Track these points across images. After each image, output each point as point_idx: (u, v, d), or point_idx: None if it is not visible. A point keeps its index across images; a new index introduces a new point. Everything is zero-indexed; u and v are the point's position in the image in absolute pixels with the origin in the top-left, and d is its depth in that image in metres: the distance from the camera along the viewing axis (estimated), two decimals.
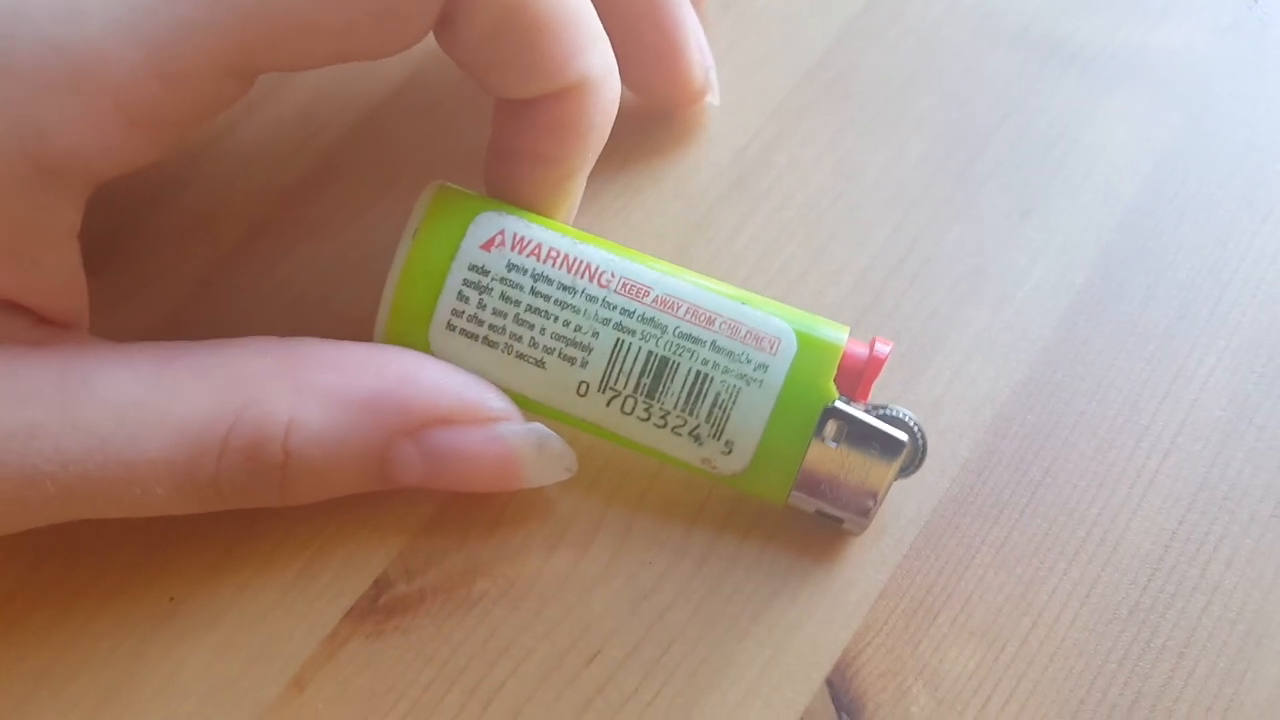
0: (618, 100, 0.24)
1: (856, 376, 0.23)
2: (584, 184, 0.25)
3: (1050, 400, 0.26)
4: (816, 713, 0.23)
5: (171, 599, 0.24)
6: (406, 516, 0.25)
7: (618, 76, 0.24)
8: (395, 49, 0.22)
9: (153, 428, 0.21)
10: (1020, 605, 0.24)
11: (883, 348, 0.23)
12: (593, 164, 0.24)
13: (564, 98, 0.23)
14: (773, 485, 0.24)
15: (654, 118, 0.29)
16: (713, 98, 0.29)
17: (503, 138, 0.24)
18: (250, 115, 0.29)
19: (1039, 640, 0.24)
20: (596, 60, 0.23)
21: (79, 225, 0.21)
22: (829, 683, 0.24)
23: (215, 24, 0.19)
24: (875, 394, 0.24)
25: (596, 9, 0.26)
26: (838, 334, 0.23)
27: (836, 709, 0.23)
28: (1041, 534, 0.25)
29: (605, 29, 0.26)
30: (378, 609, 0.24)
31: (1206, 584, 0.25)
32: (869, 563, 0.25)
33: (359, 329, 0.24)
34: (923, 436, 0.24)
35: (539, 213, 0.24)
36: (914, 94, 0.30)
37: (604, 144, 0.24)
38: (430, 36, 0.22)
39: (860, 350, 0.23)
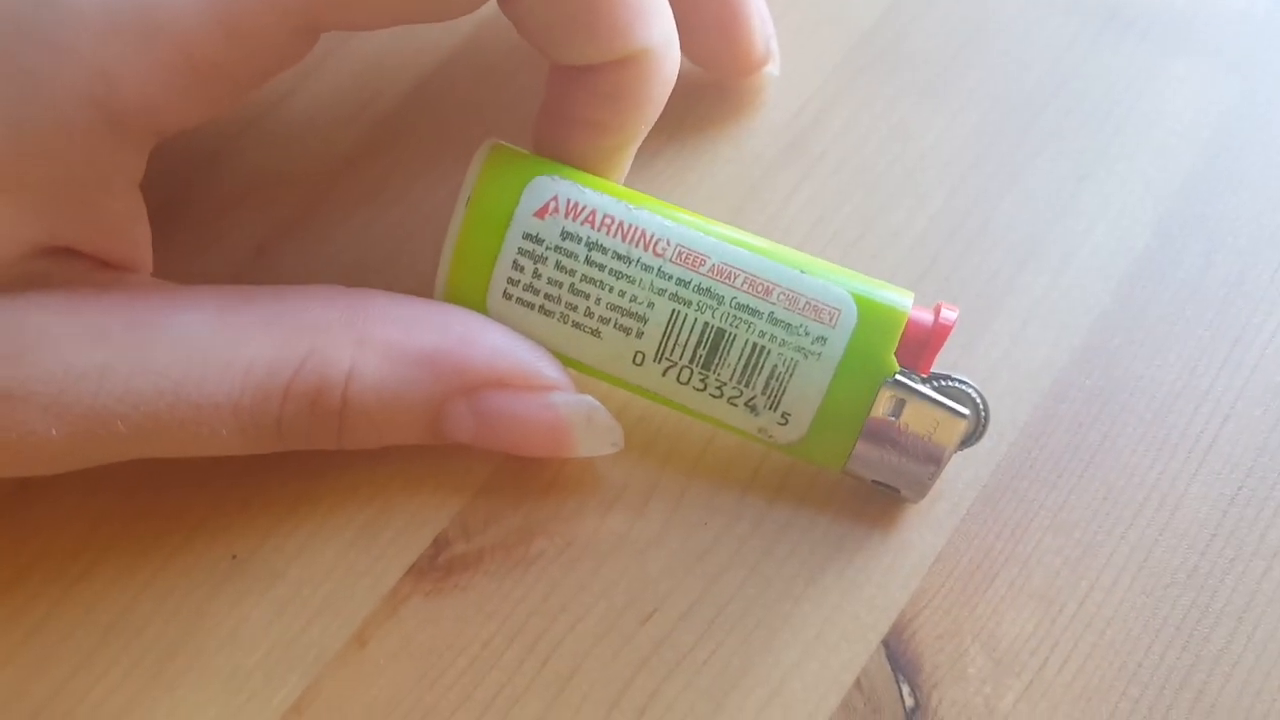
0: (676, 72, 0.24)
1: (920, 346, 0.23)
2: (634, 153, 0.25)
3: (1108, 365, 0.26)
4: (873, 673, 0.23)
5: (234, 556, 0.24)
6: (465, 477, 0.25)
7: (678, 47, 0.23)
8: (459, 11, 0.22)
9: (220, 371, 0.21)
10: (1078, 569, 0.24)
11: (949, 314, 0.23)
12: (645, 134, 0.24)
13: (623, 66, 0.23)
14: (829, 455, 0.24)
15: (709, 82, 0.29)
16: (773, 67, 0.29)
17: (556, 103, 0.24)
18: (306, 84, 0.29)
19: (1097, 603, 0.24)
20: (658, 30, 0.23)
21: (141, 174, 0.22)
22: (886, 644, 0.24)
23: None
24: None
25: None
26: (902, 300, 0.23)
27: (893, 670, 0.23)
28: (1100, 498, 0.25)
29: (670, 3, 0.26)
30: (437, 567, 0.24)
31: (1266, 549, 0.25)
32: (926, 526, 0.25)
33: (417, 294, 0.24)
34: (985, 408, 0.24)
35: None
36: (970, 58, 0.30)
37: (658, 115, 0.24)
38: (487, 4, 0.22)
39: (925, 317, 0.23)
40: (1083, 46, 0.30)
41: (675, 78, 0.24)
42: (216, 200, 0.28)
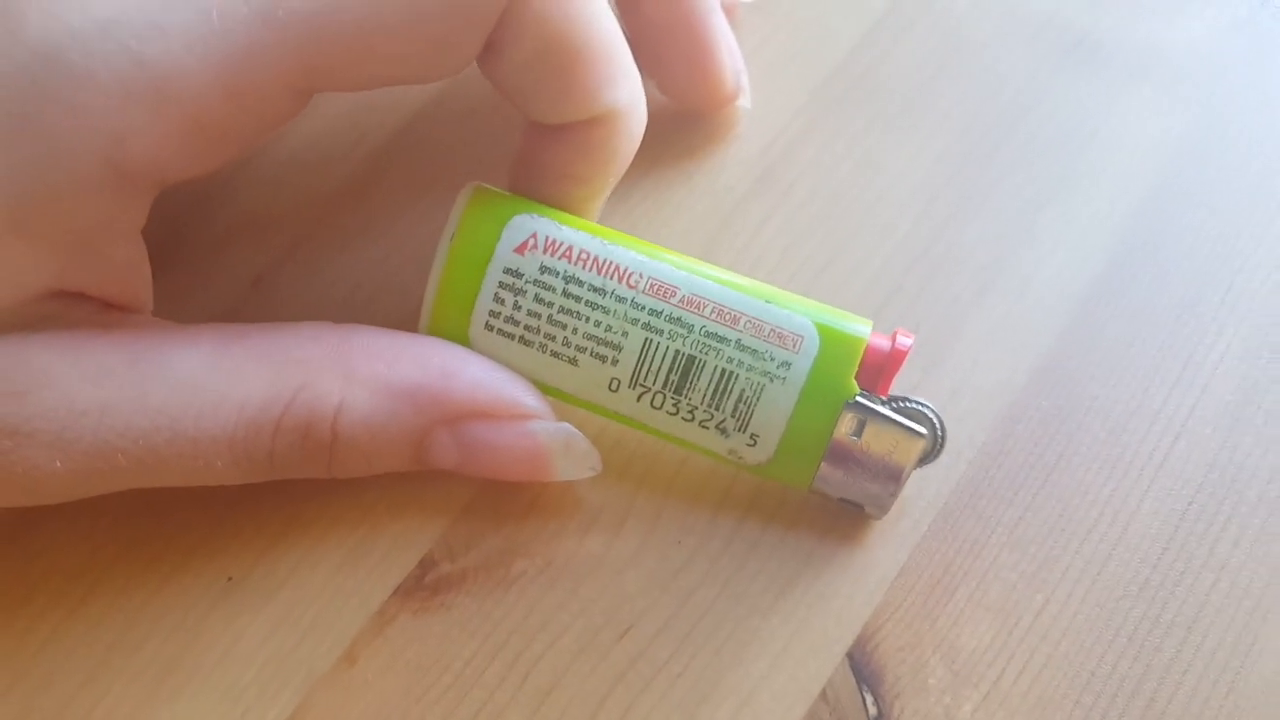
0: (643, 131, 0.25)
1: (878, 370, 0.24)
2: (603, 203, 0.26)
3: (1065, 386, 0.27)
4: (838, 685, 0.24)
5: (230, 578, 0.25)
6: (448, 501, 0.26)
7: (644, 109, 0.25)
8: (444, 75, 0.23)
9: (215, 407, 0.22)
10: (1034, 583, 0.25)
11: (904, 340, 0.24)
12: (613, 186, 0.26)
13: (593, 125, 0.24)
14: (796, 475, 0.25)
15: (684, 116, 0.31)
16: (744, 101, 0.30)
17: (530, 155, 0.25)
18: (297, 126, 0.30)
19: (1052, 616, 0.25)
20: (625, 93, 0.24)
21: (144, 221, 0.23)
22: (850, 656, 0.25)
23: (283, 47, 0.21)
24: (897, 379, 0.25)
25: (632, 19, 0.28)
26: (861, 328, 0.24)
27: (857, 681, 0.24)
28: (1055, 515, 0.26)
29: (641, 38, 0.28)
30: (423, 587, 0.25)
31: (1215, 562, 0.26)
32: (889, 543, 0.26)
33: (405, 325, 0.25)
34: (941, 426, 0.25)
35: None
36: (937, 90, 0.31)
37: (625, 169, 0.26)
38: None
39: (883, 343, 0.24)
40: (1045, 77, 0.32)
41: (641, 136, 0.25)
42: (213, 237, 0.29)
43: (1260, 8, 0.32)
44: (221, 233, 0.29)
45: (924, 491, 0.26)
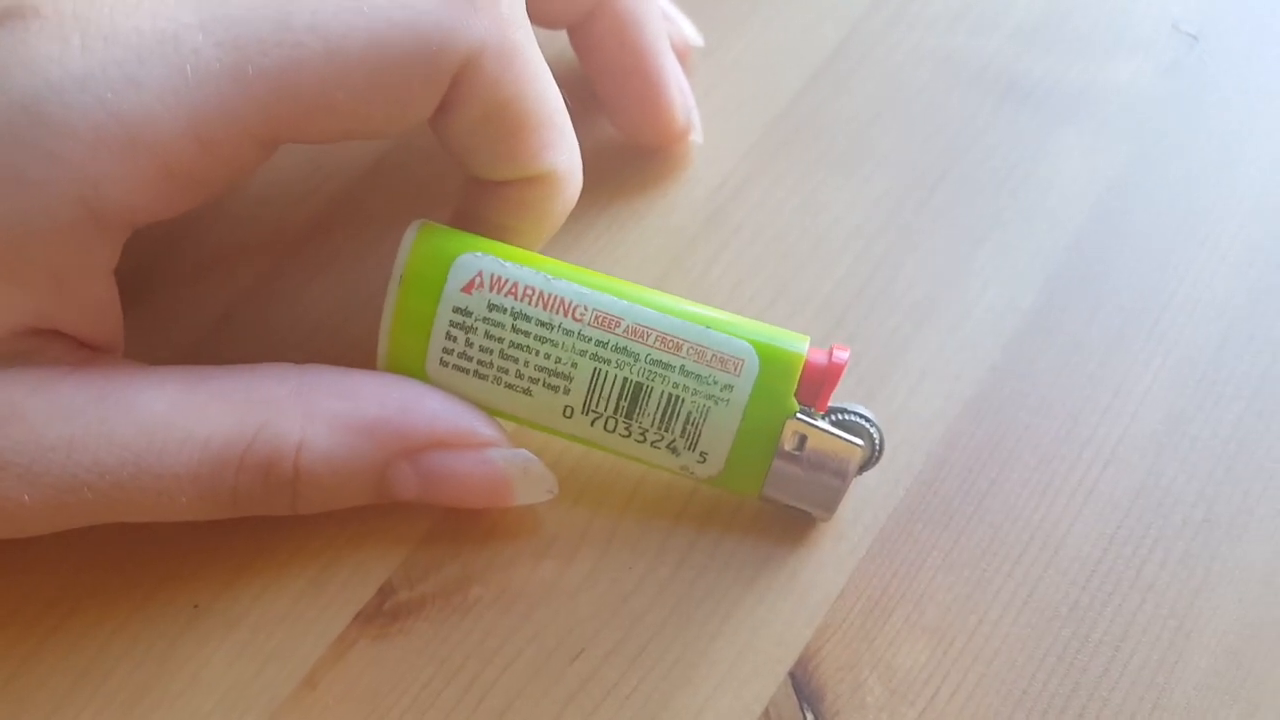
0: (578, 193, 0.27)
1: (818, 384, 0.25)
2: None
3: (998, 416, 0.29)
4: (780, 703, 0.25)
5: (195, 606, 0.26)
6: (407, 530, 0.27)
7: (580, 173, 0.26)
8: (399, 130, 0.24)
9: (179, 445, 0.23)
10: (968, 604, 0.27)
11: (840, 354, 0.25)
12: (544, 242, 0.27)
13: (531, 184, 0.26)
14: (745, 485, 0.26)
15: (638, 160, 0.32)
16: (696, 136, 0.32)
17: (469, 208, 0.27)
18: (265, 164, 0.31)
19: (985, 636, 0.26)
20: (564, 157, 0.26)
21: (116, 262, 0.24)
22: (792, 675, 0.26)
23: (250, 100, 0.22)
24: (837, 396, 0.26)
25: (589, 62, 0.30)
26: (798, 345, 0.25)
27: (799, 700, 0.25)
28: (988, 539, 0.27)
29: (598, 79, 0.30)
30: (382, 614, 0.26)
31: (1141, 584, 0.27)
32: (829, 566, 0.27)
33: (370, 358, 0.26)
34: (879, 434, 0.26)
35: None
36: (878, 133, 0.33)
37: (558, 228, 0.27)
38: None
39: (820, 359, 0.25)
40: (982, 119, 0.33)
41: (576, 198, 0.27)
42: (181, 273, 0.30)
43: (1186, 53, 0.34)
44: (190, 269, 0.30)
45: (861, 516, 0.27)
